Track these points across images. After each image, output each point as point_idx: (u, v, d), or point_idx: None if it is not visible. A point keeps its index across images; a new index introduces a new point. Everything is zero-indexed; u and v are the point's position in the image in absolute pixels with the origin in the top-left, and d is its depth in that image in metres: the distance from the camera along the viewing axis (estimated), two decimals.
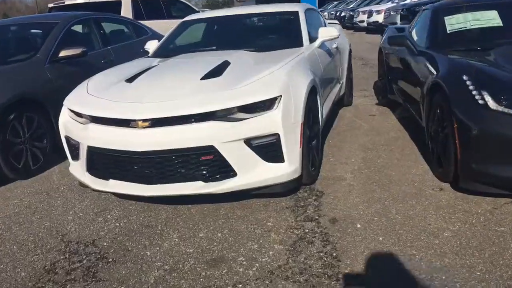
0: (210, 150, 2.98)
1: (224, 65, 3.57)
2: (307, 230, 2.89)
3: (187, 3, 12.31)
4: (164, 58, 4.26)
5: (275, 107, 3.07)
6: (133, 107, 3.08)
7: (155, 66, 3.85)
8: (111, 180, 3.27)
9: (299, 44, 4.23)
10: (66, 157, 3.67)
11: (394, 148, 4.30)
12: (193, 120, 2.98)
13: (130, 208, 3.45)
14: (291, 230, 2.92)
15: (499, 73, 3.12)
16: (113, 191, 3.31)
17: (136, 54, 6.23)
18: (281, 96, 3.08)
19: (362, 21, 22.00)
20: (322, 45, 4.46)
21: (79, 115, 3.38)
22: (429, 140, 3.69)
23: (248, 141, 3.02)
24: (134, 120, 3.02)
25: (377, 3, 23.25)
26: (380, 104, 6.09)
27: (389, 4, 20.04)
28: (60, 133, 3.58)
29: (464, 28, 4.23)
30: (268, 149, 3.08)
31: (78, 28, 5.70)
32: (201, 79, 3.33)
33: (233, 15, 4.89)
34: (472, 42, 4.06)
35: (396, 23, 15.12)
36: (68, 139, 3.53)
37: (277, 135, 3.06)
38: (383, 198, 3.25)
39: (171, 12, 11.52)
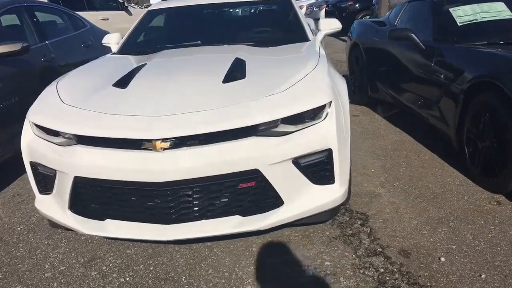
0: (253, 175, 2.27)
1: (239, 64, 2.85)
2: (381, 270, 2.31)
3: None
4: (142, 56, 3.41)
5: (323, 116, 2.43)
6: (145, 122, 2.27)
7: (143, 65, 3.00)
8: (108, 221, 2.42)
9: (304, 38, 3.61)
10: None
11: (408, 153, 3.87)
12: (229, 137, 2.25)
13: (129, 254, 2.61)
14: (361, 271, 2.31)
15: None
16: (112, 236, 2.44)
17: (77, 51, 5.24)
18: (330, 102, 2.45)
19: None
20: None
21: (54, 133, 2.47)
22: (466, 146, 3.28)
23: (296, 161, 2.36)
24: (150, 140, 2.21)
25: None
26: (355, 103, 5.67)
27: (311, 0, 20.14)
28: (23, 157, 2.62)
29: (476, 21, 3.90)
30: (317, 168, 2.43)
31: (7, 19, 4.55)
32: (223, 82, 2.58)
33: (213, 3, 4.12)
34: (490, 35, 3.73)
35: (319, 19, 15.35)
36: (35, 166, 2.59)
37: (329, 151, 2.43)
38: (444, 218, 2.76)
39: (94, 2, 10.27)
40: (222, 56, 3.14)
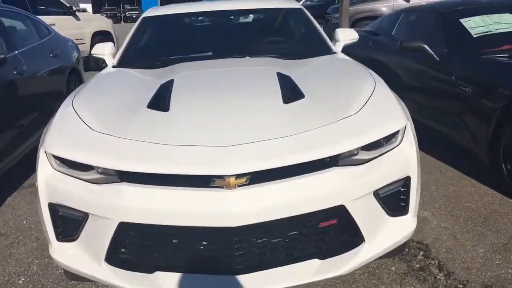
0: (336, 212, 1.95)
1: (286, 80, 2.52)
2: None
3: None
4: (156, 69, 2.97)
5: (399, 139, 2.17)
6: (212, 154, 1.88)
7: (169, 82, 2.57)
8: (159, 274, 1.99)
9: (329, 50, 3.35)
10: None
11: (430, 170, 3.70)
12: (310, 169, 1.92)
13: None
14: None
15: None
16: None
17: (46, 61, 4.65)
18: (406, 125, 2.20)
19: None
20: None
21: (83, 167, 2.01)
22: (504, 163, 3.14)
23: (376, 192, 2.07)
24: (222, 177, 1.82)
25: None
26: None
27: None
28: (40, 197, 2.12)
29: (490, 32, 3.83)
30: (393, 198, 2.16)
31: None
32: (284, 102, 2.24)
33: (219, 10, 3.74)
34: (508, 47, 3.66)
35: None
36: (54, 208, 2.10)
37: (407, 179, 2.17)
38: (509, 244, 2.58)
39: (38, 7, 9.41)
40: (259, 70, 2.79)
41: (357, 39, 3.62)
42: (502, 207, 3.02)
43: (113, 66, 3.24)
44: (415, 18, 4.66)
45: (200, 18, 3.72)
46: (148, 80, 2.72)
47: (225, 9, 3.72)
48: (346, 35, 3.56)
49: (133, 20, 45.48)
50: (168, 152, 1.92)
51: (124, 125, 2.12)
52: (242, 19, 3.79)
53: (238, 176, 1.82)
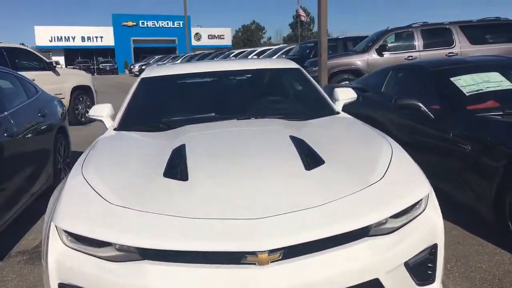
0: (370, 286, 1.87)
1: (301, 144, 2.49)
2: None
3: (37, 53, 10.17)
4: (162, 133, 2.91)
5: (423, 205, 2.14)
6: (242, 228, 1.79)
7: (181, 147, 2.50)
8: None
9: (331, 110, 3.37)
10: None
11: None
12: (342, 241, 1.85)
13: None
14: None
15: None
16: None
17: (35, 121, 4.53)
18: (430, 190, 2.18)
19: None
20: None
21: (99, 244, 1.88)
22: (511, 222, 3.14)
23: (407, 262, 2.00)
24: (255, 253, 1.73)
25: None
26: None
27: None
28: (49, 277, 1.96)
29: (482, 91, 3.95)
30: (421, 267, 2.10)
31: None
32: (306, 169, 2.19)
33: (218, 71, 3.75)
34: (501, 105, 3.76)
35: None
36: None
37: (434, 246, 2.12)
38: None
39: (18, 62, 9.30)
40: (271, 133, 2.76)
41: (356, 98, 3.67)
42: None
43: (115, 129, 3.15)
44: (404, 76, 4.79)
45: (200, 78, 3.70)
46: (157, 145, 2.65)
47: (224, 70, 3.73)
48: (346, 95, 3.60)
49: (107, 73, 45.71)
50: (193, 226, 1.82)
51: (141, 197, 2.02)
52: (242, 80, 3.79)
53: (272, 251, 1.73)
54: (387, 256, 1.89)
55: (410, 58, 10.57)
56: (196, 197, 1.99)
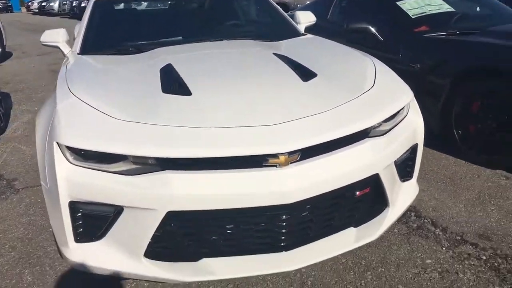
0: (371, 180, 2.08)
1: (288, 59, 2.57)
2: (484, 258, 2.34)
3: None
4: (136, 55, 2.82)
5: (406, 110, 2.37)
6: (260, 134, 1.87)
7: (167, 66, 2.46)
8: (206, 261, 1.95)
9: (297, 31, 3.45)
10: None
11: None
12: (347, 142, 2.01)
13: None
14: (466, 262, 2.31)
15: None
16: (219, 278, 1.95)
17: None
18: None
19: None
20: None
21: (110, 159, 1.87)
22: (456, 130, 3.52)
23: (396, 161, 2.24)
24: (276, 155, 1.83)
25: None
26: None
27: None
28: (59, 196, 1.92)
29: (425, 13, 4.22)
30: (404, 164, 2.36)
31: None
32: (303, 80, 2.29)
33: None
34: (444, 26, 4.06)
35: None
36: (75, 206, 1.93)
37: (415, 146, 2.38)
38: (482, 198, 2.94)
39: None
40: (254, 51, 2.79)
41: (315, 21, 3.77)
42: (460, 167, 3.41)
43: (78, 54, 2.99)
44: (349, 2, 4.94)
45: (158, 1, 3.56)
46: (138, 65, 2.58)
47: None
48: (307, 18, 3.69)
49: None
50: (213, 134, 1.87)
51: (149, 112, 2.00)
52: (203, 3, 3.70)
53: (291, 153, 1.85)
54: (384, 154, 2.09)
55: None
56: (206, 109, 2.02)
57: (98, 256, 1.99)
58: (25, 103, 6.08)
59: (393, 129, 2.21)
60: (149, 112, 2.01)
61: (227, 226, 1.91)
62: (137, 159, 1.87)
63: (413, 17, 4.18)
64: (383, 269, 2.29)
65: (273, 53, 2.66)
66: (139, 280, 2.24)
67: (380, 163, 2.07)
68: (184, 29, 3.34)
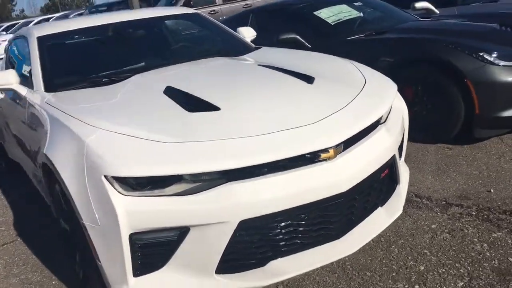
0: (390, 162, 2.34)
1: (276, 68, 2.73)
2: (474, 213, 2.73)
3: None
4: (112, 85, 2.73)
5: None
6: (305, 133, 2.01)
7: (168, 88, 2.46)
8: (272, 263, 2.01)
9: (250, 46, 3.62)
10: None
11: None
12: (369, 132, 2.25)
13: None
14: (462, 220, 2.68)
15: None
16: (286, 277, 2.02)
17: None
18: None
19: None
20: None
21: (161, 184, 1.87)
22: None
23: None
24: (326, 150, 1.98)
25: None
26: None
27: (8, 36, 18.03)
28: (121, 231, 1.84)
29: (341, 20, 4.70)
30: (399, 146, 2.67)
31: None
32: (308, 83, 2.47)
33: (122, 22, 3.50)
34: (359, 29, 4.57)
35: None
36: (136, 238, 1.88)
37: (404, 130, 2.71)
38: (443, 168, 3.39)
39: None
40: (240, 65, 2.90)
41: (256, 35, 3.98)
42: (409, 147, 3.87)
43: (50, 92, 2.79)
44: (265, 17, 5.26)
45: (102, 31, 3.45)
46: (135, 93, 2.53)
47: (127, 20, 3.55)
48: (249, 33, 3.88)
49: None
50: (263, 141, 1.96)
51: (188, 132, 2.01)
52: (151, 29, 3.68)
53: (338, 145, 2.02)
54: (395, 137, 2.37)
55: (212, 12, 11.36)
56: (243, 120, 2.10)
57: (163, 285, 1.95)
58: None
59: (389, 116, 2.50)
60: (188, 132, 2.02)
61: (290, 225, 2.01)
62: (195, 177, 1.88)
63: (332, 24, 4.63)
64: (402, 241, 2.55)
65: (258, 65, 2.80)
66: None
67: (394, 145, 2.34)
68: (143, 56, 3.31)
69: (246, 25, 5.29)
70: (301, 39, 4.55)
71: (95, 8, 15.26)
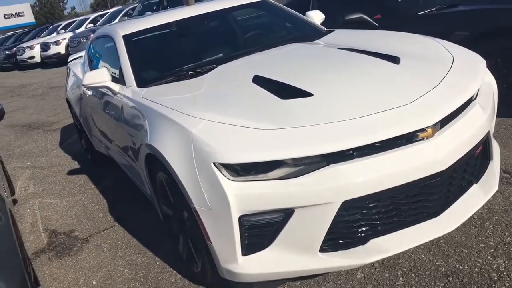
0: (484, 139, 2.32)
1: (358, 50, 2.75)
2: None
3: None
4: (197, 77, 2.86)
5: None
6: (403, 113, 2.03)
7: (256, 77, 2.55)
8: (374, 241, 2.07)
9: (322, 29, 3.64)
10: None
11: None
12: (462, 110, 2.23)
13: None
14: None
15: None
16: (388, 255, 2.08)
17: None
18: None
19: (32, 57, 20.12)
20: None
21: (266, 168, 1.97)
22: None
23: None
24: (424, 129, 2.00)
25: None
26: None
27: (68, 34, 18.83)
28: (232, 215, 1.97)
29: None
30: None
31: None
32: (396, 64, 2.49)
33: (200, 14, 3.63)
34: (430, 4, 4.45)
35: None
36: (244, 220, 2.00)
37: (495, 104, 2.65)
38: None
39: None
40: (321, 49, 2.96)
41: (324, 18, 4.00)
42: None
43: (140, 87, 2.96)
44: None
45: (184, 25, 3.59)
46: (225, 84, 2.64)
47: (204, 12, 3.67)
48: (318, 16, 3.89)
49: None
50: (363, 124, 2.00)
51: (286, 118, 2.09)
52: (226, 19, 3.79)
53: (435, 124, 2.04)
54: (488, 113, 2.34)
55: None
56: (337, 104, 2.15)
57: (269, 263, 2.06)
58: (11, 161, 5.76)
59: (479, 92, 2.47)
60: (285, 118, 2.10)
61: (389, 204, 2.05)
62: (296, 161, 1.96)
63: (400, 0, 4.55)
64: (496, 217, 2.53)
65: (338, 48, 2.84)
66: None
67: (488, 121, 2.32)
68: (223, 46, 3.43)
69: (308, 9, 5.33)
70: (368, 18, 4.51)
71: (147, 1, 15.56)
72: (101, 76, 3.15)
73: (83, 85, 3.19)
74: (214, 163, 1.99)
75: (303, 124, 2.04)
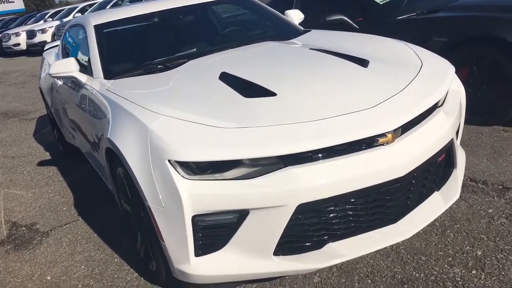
0: (447, 146, 2.30)
1: (329, 52, 2.72)
2: None
3: None
4: (167, 71, 2.80)
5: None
6: (363, 118, 2.00)
7: (224, 74, 2.51)
8: (330, 245, 2.04)
9: (299, 29, 3.60)
10: None
11: None
12: (426, 115, 2.21)
13: None
14: None
15: None
16: (343, 260, 2.05)
17: None
18: None
19: (18, 44, 19.79)
20: None
21: (225, 167, 1.92)
22: None
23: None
24: (384, 134, 1.98)
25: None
26: None
27: (55, 22, 18.59)
28: (184, 213, 1.92)
29: (390, 0, 4.59)
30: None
31: None
32: (363, 67, 2.46)
33: (172, 8, 3.56)
34: (411, 9, 4.44)
35: None
36: (198, 220, 1.95)
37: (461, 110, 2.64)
38: (494, 151, 3.31)
39: None
40: (292, 49, 2.91)
41: (303, 18, 3.96)
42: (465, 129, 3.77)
43: (109, 79, 2.89)
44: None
45: (157, 18, 3.53)
46: (191, 79, 2.59)
47: (177, 6, 3.60)
48: (297, 15, 3.85)
49: None
50: (321, 126, 1.97)
51: (246, 117, 2.05)
52: (199, 14, 3.73)
53: (396, 130, 2.01)
54: (452, 120, 2.32)
55: None
56: (299, 105, 2.11)
57: (222, 264, 2.02)
58: None
59: (446, 99, 2.45)
60: (246, 117, 2.06)
61: (347, 209, 2.02)
62: (254, 162, 1.92)
63: (381, 3, 4.53)
64: (458, 226, 2.52)
65: (310, 49, 2.80)
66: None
67: (452, 129, 2.30)
68: (195, 41, 3.37)
69: (290, 8, 5.28)
70: (348, 20, 4.48)
71: None
72: (69, 66, 3.08)
73: (50, 74, 3.11)
74: (169, 160, 1.94)
75: (262, 124, 2.00)
